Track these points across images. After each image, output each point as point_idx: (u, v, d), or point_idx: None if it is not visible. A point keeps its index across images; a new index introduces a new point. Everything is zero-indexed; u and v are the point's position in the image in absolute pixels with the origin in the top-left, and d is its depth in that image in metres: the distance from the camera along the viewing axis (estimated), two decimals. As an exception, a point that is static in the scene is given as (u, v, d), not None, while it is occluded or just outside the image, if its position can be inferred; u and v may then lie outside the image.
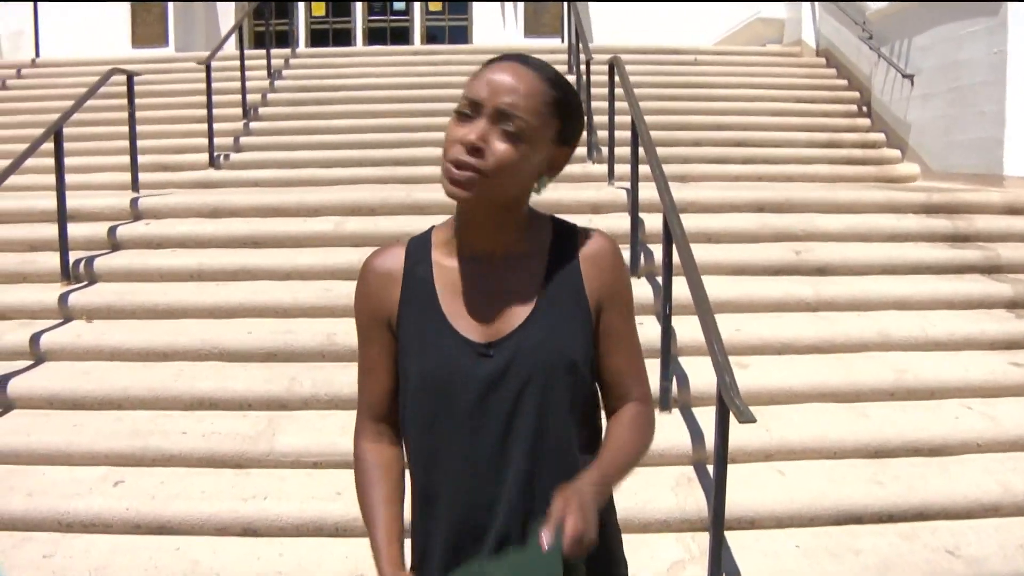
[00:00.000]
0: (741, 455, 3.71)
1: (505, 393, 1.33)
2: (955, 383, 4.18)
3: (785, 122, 8.06)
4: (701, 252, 5.05)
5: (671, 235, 3.93)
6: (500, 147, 1.27)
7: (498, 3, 14.41)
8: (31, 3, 11.00)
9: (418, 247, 1.44)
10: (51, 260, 5.15)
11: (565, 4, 9.52)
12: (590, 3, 13.60)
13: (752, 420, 2.59)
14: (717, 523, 2.98)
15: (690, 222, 5.36)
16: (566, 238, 1.43)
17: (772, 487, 3.54)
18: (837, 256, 5.16)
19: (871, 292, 4.85)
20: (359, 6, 15.07)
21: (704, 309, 3.23)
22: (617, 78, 5.84)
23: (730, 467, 3.60)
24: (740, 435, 3.69)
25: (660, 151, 7.17)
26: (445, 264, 1.40)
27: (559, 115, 1.33)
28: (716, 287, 4.77)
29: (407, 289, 1.40)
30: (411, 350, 1.37)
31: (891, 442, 3.78)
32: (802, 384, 4.12)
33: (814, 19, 9.87)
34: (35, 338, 4.50)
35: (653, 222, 4.82)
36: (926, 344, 4.48)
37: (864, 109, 8.47)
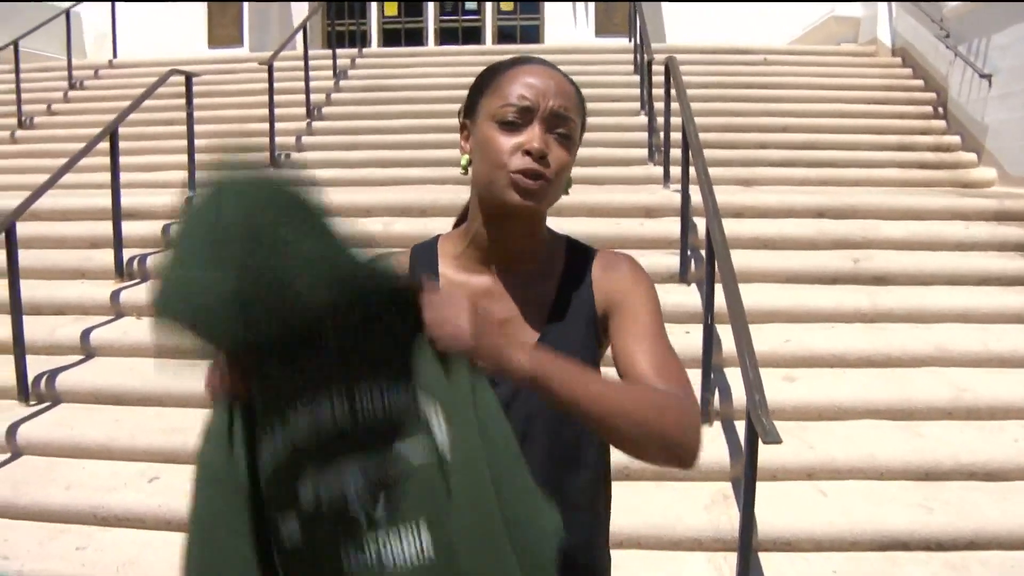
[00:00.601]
0: (781, 472, 3.57)
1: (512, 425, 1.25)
2: (1018, 403, 3.94)
3: (856, 124, 7.77)
4: (755, 259, 4.94)
5: (712, 242, 3.78)
6: (558, 152, 1.23)
7: (570, 3, 14.32)
8: (109, 3, 11.29)
9: (424, 257, 1.38)
10: (108, 257, 5.26)
11: (632, 3, 9.36)
12: (663, 3, 13.43)
13: (777, 441, 2.46)
14: (745, 545, 2.86)
15: (746, 227, 5.25)
16: (580, 259, 1.37)
17: (812, 507, 3.39)
18: (897, 265, 4.93)
19: (932, 304, 4.62)
20: (431, 6, 15.12)
21: (739, 321, 3.10)
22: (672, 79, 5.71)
23: (769, 485, 3.50)
24: (781, 452, 3.56)
25: (724, 154, 7.12)
26: (454, 279, 1.33)
27: (582, 116, 1.31)
28: (768, 295, 4.63)
29: None
30: None
31: (944, 464, 3.58)
32: (852, 399, 3.94)
33: (890, 17, 9.50)
34: (86, 334, 4.60)
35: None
36: (988, 360, 4.24)
37: (940, 111, 8.11)
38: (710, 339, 3.90)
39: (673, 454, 1.13)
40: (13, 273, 4.13)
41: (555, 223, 1.35)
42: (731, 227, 5.17)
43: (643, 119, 7.50)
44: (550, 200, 1.26)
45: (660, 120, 6.75)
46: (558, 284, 1.33)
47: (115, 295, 4.91)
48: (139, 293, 4.96)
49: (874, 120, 7.89)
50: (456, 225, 1.42)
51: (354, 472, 1.04)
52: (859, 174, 6.95)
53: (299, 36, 8.66)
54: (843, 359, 4.23)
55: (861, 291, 4.72)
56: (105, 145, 5.29)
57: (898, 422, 3.86)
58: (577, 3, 14.32)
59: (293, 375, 1.03)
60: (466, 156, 1.32)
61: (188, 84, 6.24)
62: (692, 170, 4.70)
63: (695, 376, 3.94)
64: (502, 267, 1.32)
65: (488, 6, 15.01)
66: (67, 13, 9.89)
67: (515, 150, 1.22)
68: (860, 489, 3.50)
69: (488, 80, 1.29)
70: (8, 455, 3.91)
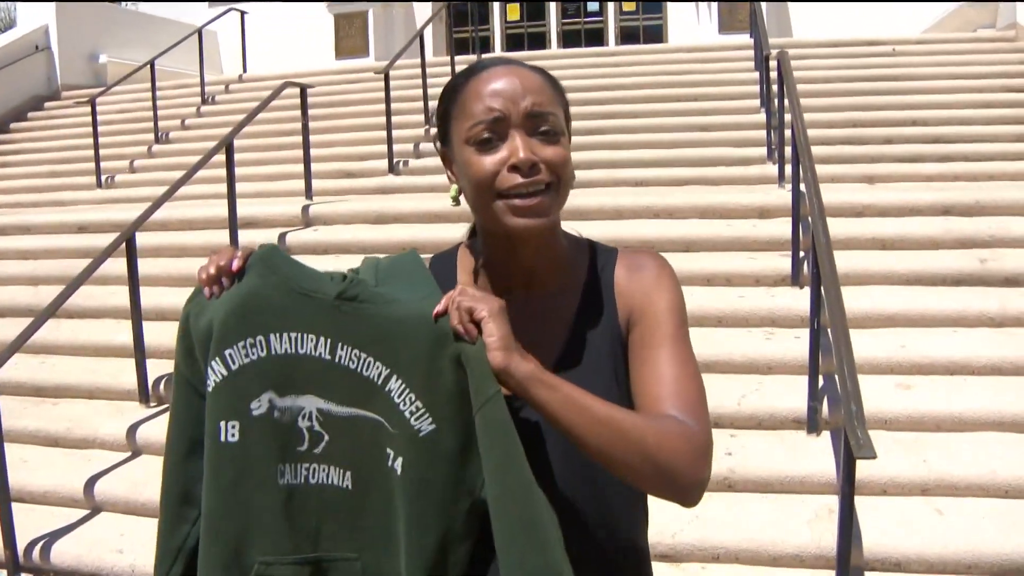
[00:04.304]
0: (893, 487, 3.37)
1: (531, 450, 1.19)
2: None
3: (991, 115, 7.28)
4: (872, 260, 4.72)
5: (816, 244, 3.61)
6: (549, 151, 1.14)
7: (692, 1, 14.07)
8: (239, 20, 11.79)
9: (443, 271, 1.31)
10: (226, 264, 5.47)
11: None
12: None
13: (871, 456, 2.31)
14: (843, 564, 2.70)
15: (866, 227, 5.03)
16: (603, 266, 1.27)
17: (925, 527, 3.18)
18: (1030, 266, 4.58)
19: (1069, 307, 4.28)
20: (553, 9, 15.13)
21: (839, 327, 2.95)
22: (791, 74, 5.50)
23: (879, 500, 3.33)
24: (891, 465, 3.40)
25: (849, 150, 6.84)
26: None
27: (562, 103, 1.20)
28: (884, 299, 4.41)
29: None
30: None
31: (1077, 483, 3.31)
32: (974, 411, 3.67)
33: (1031, -2, 8.88)
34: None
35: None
36: None
37: (1088, 98, 7.52)
38: (816, 345, 3.73)
39: (675, 487, 1.08)
40: (133, 280, 4.34)
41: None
42: (850, 227, 4.99)
43: (762, 117, 7.27)
44: (559, 206, 1.17)
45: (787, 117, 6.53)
46: (580, 300, 1.24)
47: (232, 301, 5.10)
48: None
49: (1012, 110, 7.37)
50: (472, 234, 1.33)
51: (310, 407, 1.14)
52: (993, 167, 6.49)
53: (408, 47, 8.77)
54: (965, 367, 3.96)
55: (988, 293, 4.41)
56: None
57: (1025, 436, 3.59)
58: (700, 1, 14.06)
59: (289, 308, 1.13)
60: (455, 186, 1.25)
61: (303, 96, 6.45)
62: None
63: (802, 383, 3.78)
64: (520, 286, 1.24)
65: (610, 7, 14.89)
66: (199, 32, 10.40)
67: (499, 169, 1.12)
68: (980, 508, 3.27)
69: (451, 101, 1.19)
70: (128, 454, 4.13)
